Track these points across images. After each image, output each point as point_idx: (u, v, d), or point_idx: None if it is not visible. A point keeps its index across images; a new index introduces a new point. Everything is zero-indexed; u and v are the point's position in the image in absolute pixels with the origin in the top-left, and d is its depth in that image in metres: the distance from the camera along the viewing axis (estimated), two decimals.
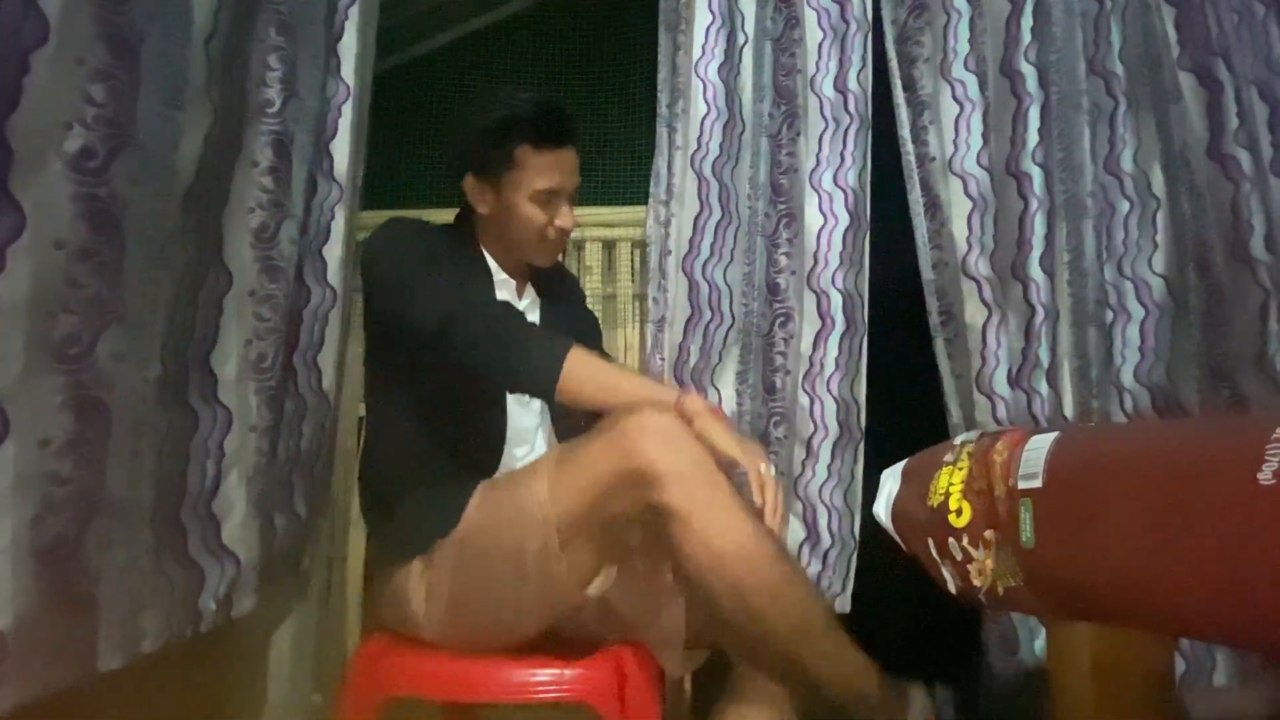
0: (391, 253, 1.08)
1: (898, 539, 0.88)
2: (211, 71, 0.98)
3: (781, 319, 1.44)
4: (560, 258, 1.25)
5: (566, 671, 0.89)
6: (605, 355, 1.30)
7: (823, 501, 1.42)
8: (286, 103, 1.15)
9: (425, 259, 1.05)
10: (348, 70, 1.36)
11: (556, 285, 1.24)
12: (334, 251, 1.33)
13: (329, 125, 1.34)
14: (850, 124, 1.45)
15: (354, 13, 1.38)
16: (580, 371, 0.94)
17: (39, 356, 0.73)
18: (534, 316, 1.17)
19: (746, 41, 1.46)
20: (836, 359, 1.42)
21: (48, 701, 0.75)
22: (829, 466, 1.42)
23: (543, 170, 1.08)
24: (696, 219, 1.41)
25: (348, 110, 1.35)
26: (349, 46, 1.37)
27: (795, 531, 1.40)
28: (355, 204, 1.42)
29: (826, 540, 1.41)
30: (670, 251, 1.43)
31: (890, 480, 0.85)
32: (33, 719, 0.75)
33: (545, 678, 0.88)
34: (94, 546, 0.78)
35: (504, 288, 1.14)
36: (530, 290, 1.21)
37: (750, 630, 0.80)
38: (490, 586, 0.93)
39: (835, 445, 1.42)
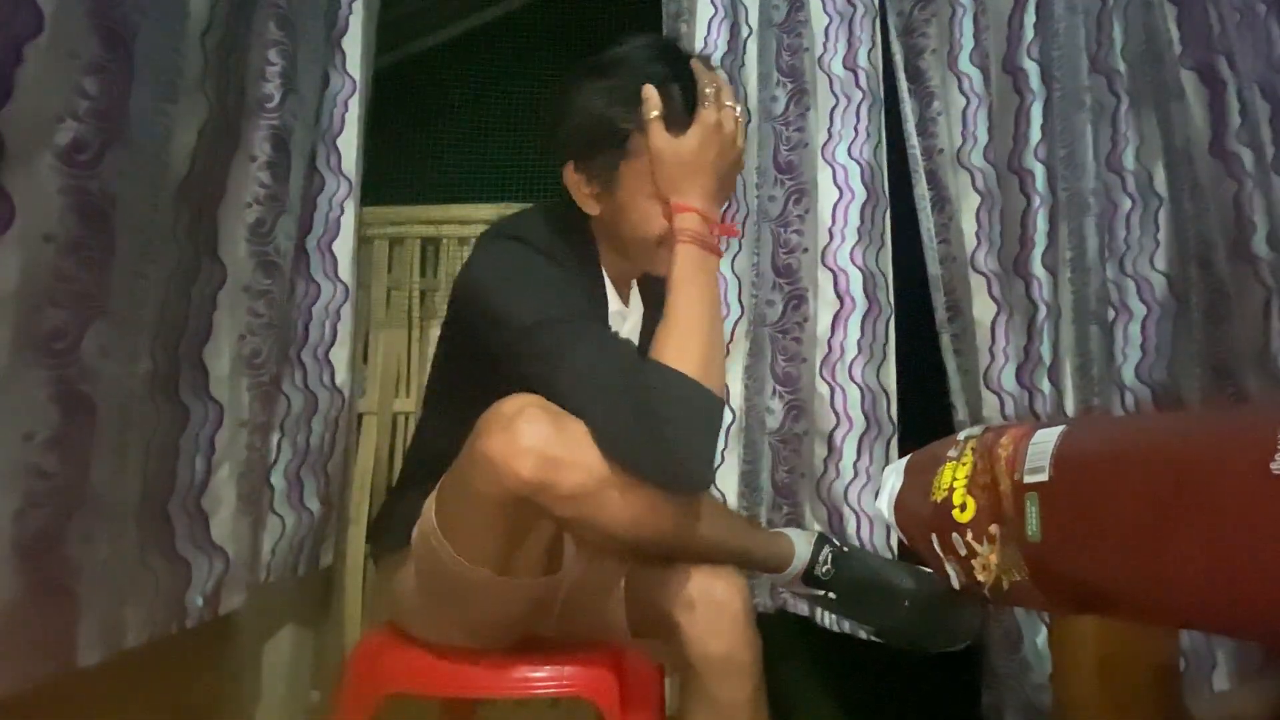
0: (515, 302, 0.84)
1: (901, 535, 0.87)
2: (207, 65, 0.98)
3: (794, 302, 1.37)
4: None
5: (565, 667, 0.88)
6: None
7: (849, 505, 1.32)
8: (285, 97, 1.15)
9: (554, 314, 0.82)
10: (353, 64, 1.37)
11: (658, 281, 0.94)
12: (344, 246, 1.34)
13: (335, 120, 1.35)
14: (863, 100, 1.40)
15: (358, 7, 1.38)
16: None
17: (25, 350, 0.72)
18: (632, 326, 1.01)
19: (751, 33, 1.45)
20: (858, 342, 1.34)
21: (39, 698, 0.74)
22: (855, 464, 1.33)
23: None
24: None
25: (353, 105, 1.36)
26: (353, 41, 1.37)
27: None
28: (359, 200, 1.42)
29: None
30: None
31: (893, 476, 0.85)
32: (29, 713, 0.74)
33: (544, 674, 0.87)
34: (76, 541, 0.78)
35: (616, 318, 0.97)
36: (635, 297, 1.03)
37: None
38: (442, 602, 0.89)
39: (861, 439, 1.33)
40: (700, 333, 0.80)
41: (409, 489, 0.95)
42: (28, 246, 0.72)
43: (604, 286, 0.96)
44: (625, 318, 1.00)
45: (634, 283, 1.03)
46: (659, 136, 0.83)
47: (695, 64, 0.87)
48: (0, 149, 0.69)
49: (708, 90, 0.85)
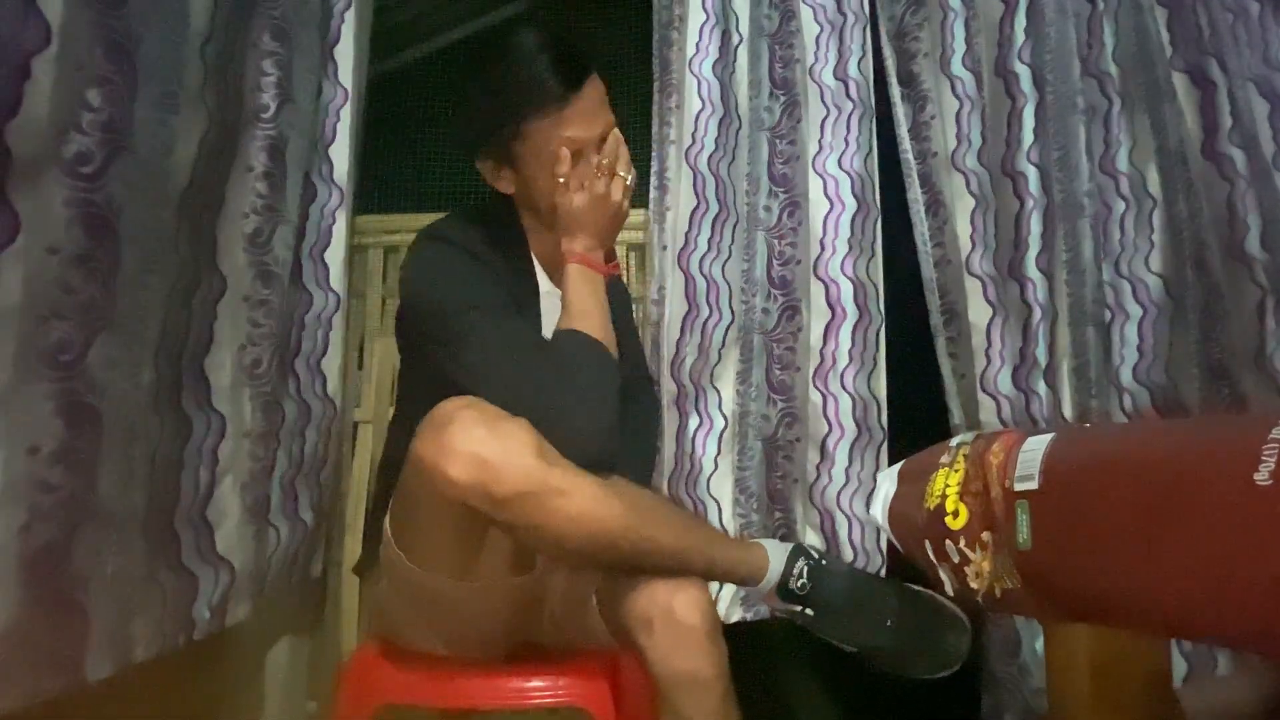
0: (433, 293, 0.95)
1: (895, 541, 0.87)
2: (207, 75, 0.98)
3: (788, 313, 1.40)
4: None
5: (561, 677, 0.88)
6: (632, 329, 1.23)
7: (841, 509, 1.35)
8: (282, 107, 1.15)
9: (467, 301, 0.92)
10: (345, 74, 1.37)
11: None
12: (336, 256, 1.34)
13: (327, 130, 1.35)
14: (853, 110, 1.42)
15: (350, 17, 1.39)
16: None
17: (30, 363, 0.73)
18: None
19: (741, 41, 1.45)
20: (850, 351, 1.37)
21: (41, 709, 0.74)
22: (847, 470, 1.36)
23: (560, 126, 0.93)
24: (693, 214, 1.39)
25: (346, 114, 1.36)
26: (345, 51, 1.37)
27: (812, 543, 1.33)
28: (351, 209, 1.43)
29: (849, 553, 1.34)
30: (666, 246, 1.40)
31: (886, 482, 0.85)
32: None
33: (540, 684, 0.88)
34: (83, 554, 0.78)
35: (549, 298, 1.03)
36: None
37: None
38: (416, 614, 0.90)
39: (853, 446, 1.36)
40: (594, 318, 0.93)
41: (380, 504, 0.97)
42: (33, 259, 0.72)
43: (533, 271, 1.03)
44: (559, 297, 1.02)
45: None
46: (561, 195, 0.95)
47: (612, 135, 0.97)
48: (7, 162, 0.70)
49: (604, 163, 0.96)
